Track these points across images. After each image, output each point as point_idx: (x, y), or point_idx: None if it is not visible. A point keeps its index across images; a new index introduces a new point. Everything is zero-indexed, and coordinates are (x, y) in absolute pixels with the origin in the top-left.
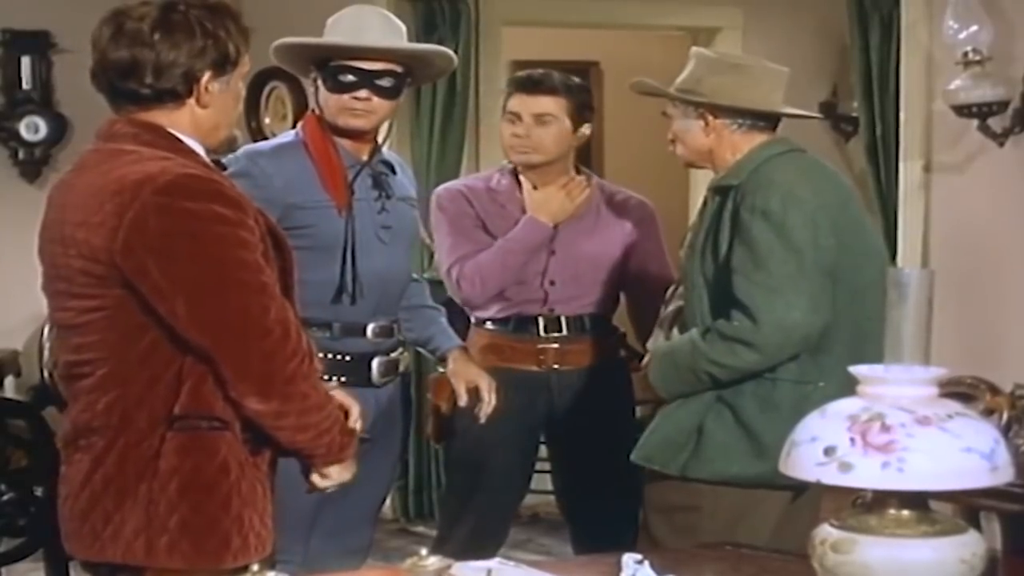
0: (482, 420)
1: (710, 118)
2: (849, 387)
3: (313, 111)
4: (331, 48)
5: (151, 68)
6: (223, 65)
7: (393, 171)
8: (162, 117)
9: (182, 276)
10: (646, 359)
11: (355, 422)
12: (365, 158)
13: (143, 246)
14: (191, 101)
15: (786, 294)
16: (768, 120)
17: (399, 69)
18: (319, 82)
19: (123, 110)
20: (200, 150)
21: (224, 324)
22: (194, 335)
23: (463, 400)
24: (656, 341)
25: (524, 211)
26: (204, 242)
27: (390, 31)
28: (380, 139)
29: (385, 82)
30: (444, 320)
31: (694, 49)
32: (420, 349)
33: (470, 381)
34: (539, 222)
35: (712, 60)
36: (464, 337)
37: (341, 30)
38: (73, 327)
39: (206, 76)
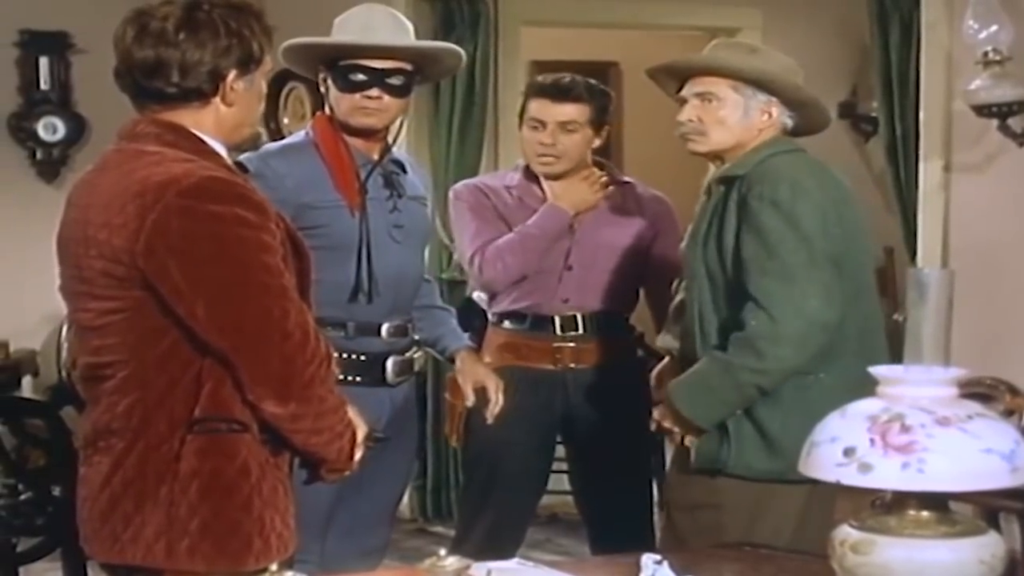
0: (489, 420)
1: (775, 109)
2: (850, 379)
3: (323, 111)
4: (342, 48)
5: (177, 67)
6: (247, 63)
7: (404, 170)
8: (186, 117)
9: (203, 278)
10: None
11: (359, 444)
12: (376, 157)
13: (165, 248)
14: (216, 100)
15: (800, 283)
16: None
17: (409, 67)
18: (329, 82)
19: (147, 109)
20: (223, 151)
21: (244, 327)
22: (213, 337)
23: (470, 400)
24: (664, 339)
25: (543, 202)
26: (226, 245)
27: (398, 29)
28: (391, 138)
29: (396, 80)
30: (454, 321)
31: (755, 44)
32: (429, 349)
33: (477, 381)
34: (559, 209)
35: (780, 58)
36: (482, 336)
37: (350, 29)
38: (93, 328)
39: (231, 75)
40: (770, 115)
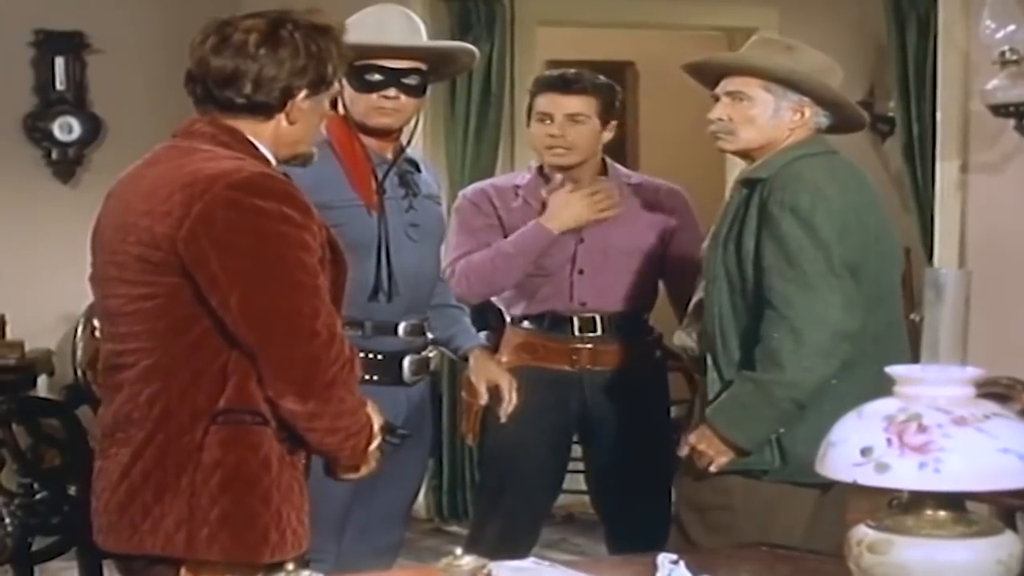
0: (503, 419)
1: (808, 109)
2: (865, 386)
3: (336, 111)
4: (359, 48)
5: (251, 80)
6: (319, 85)
7: (418, 169)
8: (246, 125)
9: (240, 270)
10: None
11: (376, 436)
12: (390, 157)
13: (207, 237)
14: (280, 116)
15: (822, 292)
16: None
17: (423, 67)
18: (344, 82)
19: (208, 114)
20: (272, 160)
21: (274, 322)
22: (242, 330)
23: (483, 399)
24: (680, 337)
25: (544, 207)
26: (267, 239)
27: (412, 29)
28: (405, 138)
29: (412, 80)
30: (467, 320)
31: (793, 42)
32: (442, 349)
33: (491, 380)
34: (543, 229)
35: (816, 57)
36: (500, 336)
37: (364, 30)
38: (122, 315)
39: (301, 94)
40: (802, 114)
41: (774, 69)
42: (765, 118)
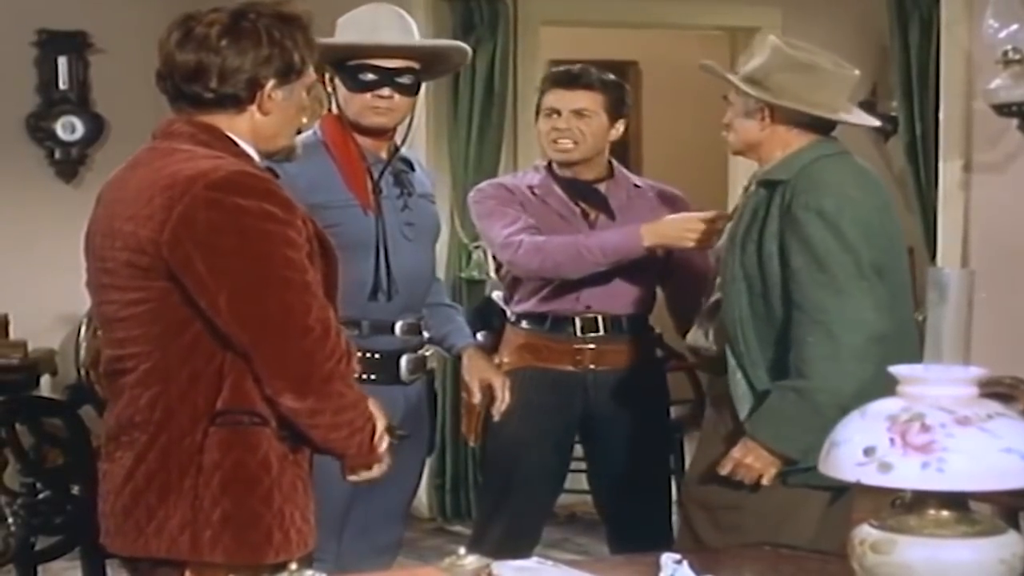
0: (496, 417)
1: (768, 114)
2: (879, 385)
3: (330, 111)
4: (353, 48)
5: (216, 73)
6: (287, 74)
7: (412, 168)
8: (222, 121)
9: (227, 270)
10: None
11: (380, 437)
12: (385, 156)
13: (190, 239)
14: (252, 107)
15: (853, 295)
16: (826, 123)
17: (417, 66)
18: (337, 82)
19: (183, 112)
20: (255, 155)
21: (265, 320)
22: (234, 330)
23: (476, 398)
24: (695, 336)
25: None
26: (251, 238)
27: (405, 28)
28: (399, 137)
29: (405, 79)
30: (461, 318)
31: (771, 38)
32: (436, 347)
33: (484, 379)
34: (637, 238)
35: (786, 56)
36: (500, 336)
37: (357, 29)
38: (117, 320)
39: (270, 84)
40: (766, 117)
41: (714, 69)
42: (739, 121)
